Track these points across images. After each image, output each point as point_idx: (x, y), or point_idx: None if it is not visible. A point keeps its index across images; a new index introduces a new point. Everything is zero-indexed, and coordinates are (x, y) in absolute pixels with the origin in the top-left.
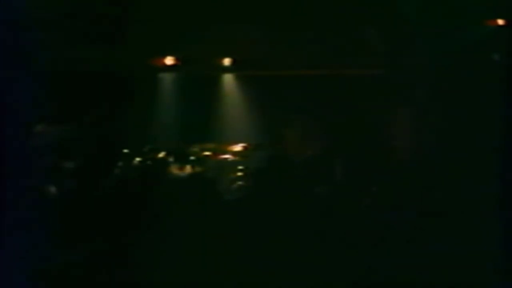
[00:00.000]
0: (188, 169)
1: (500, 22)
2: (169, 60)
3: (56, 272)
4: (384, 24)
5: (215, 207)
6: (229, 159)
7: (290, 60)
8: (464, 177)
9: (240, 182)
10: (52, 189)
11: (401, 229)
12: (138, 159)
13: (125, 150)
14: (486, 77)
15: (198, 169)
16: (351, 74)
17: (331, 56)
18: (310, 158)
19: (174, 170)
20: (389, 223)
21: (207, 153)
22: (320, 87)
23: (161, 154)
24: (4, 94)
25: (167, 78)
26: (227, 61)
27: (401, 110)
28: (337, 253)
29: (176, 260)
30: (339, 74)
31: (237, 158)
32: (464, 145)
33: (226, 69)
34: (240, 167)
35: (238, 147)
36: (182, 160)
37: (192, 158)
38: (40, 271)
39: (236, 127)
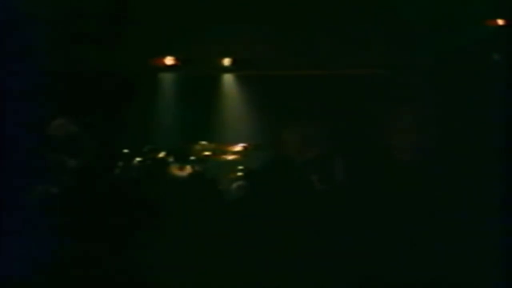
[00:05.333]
0: (188, 169)
1: (500, 22)
2: (169, 60)
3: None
4: (384, 24)
5: (215, 207)
6: (229, 159)
7: (290, 60)
8: (464, 177)
9: (239, 182)
10: (50, 189)
11: (402, 230)
12: (138, 159)
13: (125, 150)
14: (486, 77)
15: (198, 169)
16: (351, 74)
17: (331, 56)
18: (310, 159)
19: (174, 170)
20: (390, 223)
21: (207, 153)
22: (320, 87)
23: (161, 154)
24: (4, 94)
25: (167, 78)
26: (227, 61)
27: (401, 110)
28: (336, 254)
29: (176, 260)
30: (339, 74)
31: (237, 158)
32: (464, 145)
33: (226, 69)
34: (240, 167)
35: (238, 147)
36: (182, 160)
37: (192, 158)
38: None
39: (236, 127)
